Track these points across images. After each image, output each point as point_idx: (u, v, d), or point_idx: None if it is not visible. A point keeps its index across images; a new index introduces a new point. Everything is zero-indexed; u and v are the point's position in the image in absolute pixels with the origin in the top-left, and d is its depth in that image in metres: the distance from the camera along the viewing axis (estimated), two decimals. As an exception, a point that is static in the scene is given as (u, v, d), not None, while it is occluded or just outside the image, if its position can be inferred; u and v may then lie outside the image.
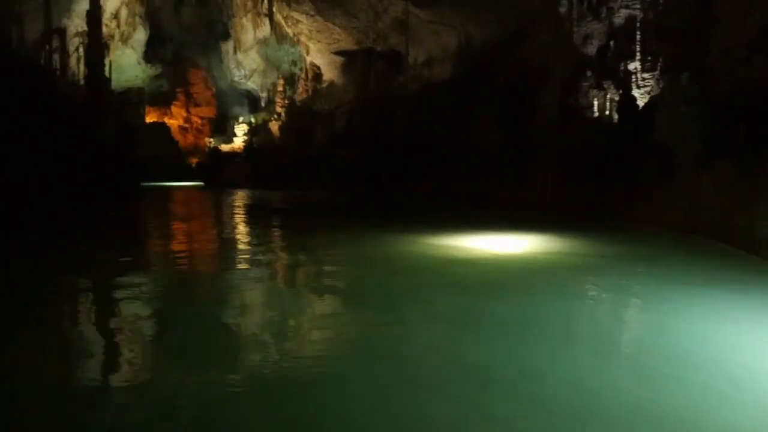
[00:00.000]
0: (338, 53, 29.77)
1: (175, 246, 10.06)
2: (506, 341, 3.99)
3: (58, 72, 28.21)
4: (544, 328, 4.38)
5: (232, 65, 39.42)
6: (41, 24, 27.13)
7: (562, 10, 18.15)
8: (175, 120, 48.15)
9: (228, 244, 10.00)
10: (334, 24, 27.69)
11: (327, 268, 7.22)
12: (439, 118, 21.23)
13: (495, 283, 6.05)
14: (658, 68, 14.93)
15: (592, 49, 17.38)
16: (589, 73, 16.69)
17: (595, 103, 16.53)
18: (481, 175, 17.44)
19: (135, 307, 5.21)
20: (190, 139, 48.79)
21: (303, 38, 30.50)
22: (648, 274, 6.63)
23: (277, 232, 11.97)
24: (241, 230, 12.24)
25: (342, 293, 5.90)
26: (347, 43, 28.68)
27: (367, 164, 23.53)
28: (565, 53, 17.82)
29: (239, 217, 15.15)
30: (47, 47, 27.41)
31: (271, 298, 5.85)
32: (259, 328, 4.65)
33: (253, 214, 15.83)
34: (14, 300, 5.35)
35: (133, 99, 31.69)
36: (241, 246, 9.73)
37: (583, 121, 16.08)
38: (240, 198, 22.93)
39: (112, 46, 31.52)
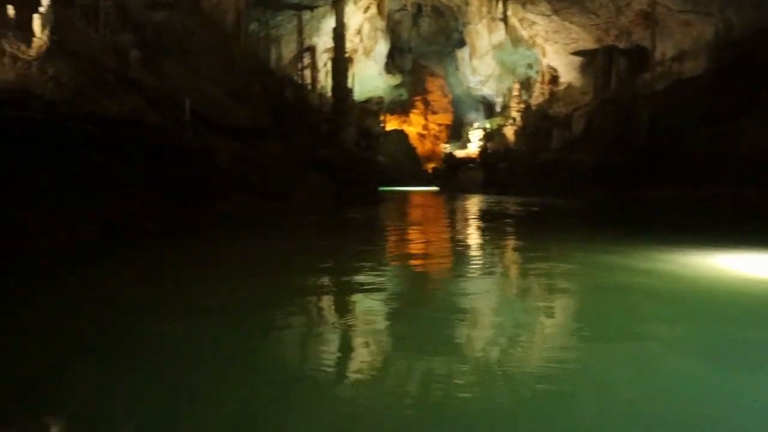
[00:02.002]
0: (576, 53, 28.32)
1: (413, 246, 10.23)
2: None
3: (309, 86, 30.76)
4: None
5: (468, 72, 39.67)
6: (295, 44, 29.75)
7: None
8: (413, 127, 50.00)
9: (463, 248, 9.81)
10: (571, 23, 26.36)
11: (561, 281, 6.56)
12: (691, 118, 19.04)
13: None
14: None
15: None
16: None
17: None
18: (747, 180, 15.15)
19: (370, 300, 5.50)
20: (428, 145, 50.31)
21: (539, 40, 29.55)
22: None
23: (511, 239, 11.44)
24: (476, 235, 11.97)
25: (576, 311, 5.27)
26: (586, 42, 27.14)
27: (606, 169, 21.97)
28: None
29: (474, 222, 14.96)
30: (300, 64, 29.98)
31: (501, 306, 5.51)
32: (486, 337, 4.40)
33: (488, 220, 15.51)
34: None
35: (374, 108, 33.38)
36: (475, 250, 9.45)
37: None
38: (473, 203, 22.88)
39: (355, 60, 33.45)
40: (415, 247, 10.00)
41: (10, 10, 10.47)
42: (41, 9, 10.32)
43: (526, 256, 8.74)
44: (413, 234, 12.44)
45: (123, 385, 3.32)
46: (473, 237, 11.58)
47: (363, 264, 7.71)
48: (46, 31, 10.28)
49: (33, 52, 10.05)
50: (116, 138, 10.32)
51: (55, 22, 10.67)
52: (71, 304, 5.37)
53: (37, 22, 10.22)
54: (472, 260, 8.21)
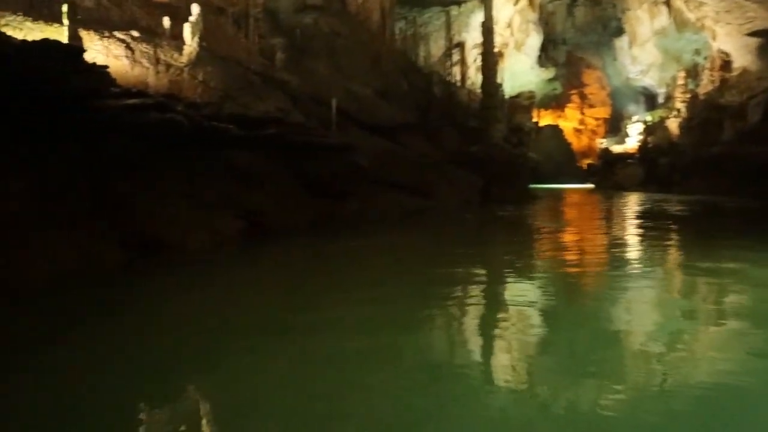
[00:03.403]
0: (752, 34, 25.51)
1: (565, 249, 9.67)
2: None
3: (458, 82, 30.46)
4: None
5: (627, 61, 37.37)
6: (444, 40, 29.60)
7: None
8: (569, 122, 48.01)
9: (621, 254, 8.89)
10: (747, 0, 23.79)
11: (733, 289, 5.76)
12: None
13: None
14: None
15: None
16: None
17: None
18: None
19: (523, 301, 5.37)
20: (584, 140, 48.08)
21: (708, 22, 27.04)
22: None
23: (677, 246, 10.13)
24: (635, 239, 10.83)
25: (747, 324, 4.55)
26: (765, 21, 24.35)
27: (788, 164, 19.58)
28: None
29: (633, 224, 13.59)
30: (448, 61, 29.79)
31: (661, 313, 5.03)
32: (646, 344, 4.09)
33: (648, 221, 13.94)
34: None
35: (524, 103, 32.26)
36: (634, 257, 8.58)
37: None
38: (632, 202, 21.39)
39: (506, 54, 32.67)
40: (567, 251, 9.35)
41: (166, 22, 11.17)
42: (191, 18, 10.89)
43: (693, 270, 7.77)
44: (565, 235, 11.69)
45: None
46: (632, 241, 10.47)
47: (514, 264, 7.51)
48: (196, 39, 10.84)
49: (184, 58, 10.64)
50: (259, 137, 10.64)
51: (204, 29, 11.23)
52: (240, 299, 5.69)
53: (187, 30, 10.81)
54: (632, 269, 7.37)
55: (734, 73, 28.06)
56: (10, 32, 8.93)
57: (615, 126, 41.59)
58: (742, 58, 27.37)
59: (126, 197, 8.00)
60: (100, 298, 5.55)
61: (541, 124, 43.61)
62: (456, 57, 31.28)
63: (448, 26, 28.67)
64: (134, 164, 8.18)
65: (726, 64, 28.65)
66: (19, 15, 9.42)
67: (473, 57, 31.58)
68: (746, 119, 24.79)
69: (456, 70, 30.95)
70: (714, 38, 28.03)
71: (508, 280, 6.44)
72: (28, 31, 9.20)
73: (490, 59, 25.59)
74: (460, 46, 31.12)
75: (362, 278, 6.45)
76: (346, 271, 7.04)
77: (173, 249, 8.06)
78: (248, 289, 6.08)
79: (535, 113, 38.71)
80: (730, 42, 27.35)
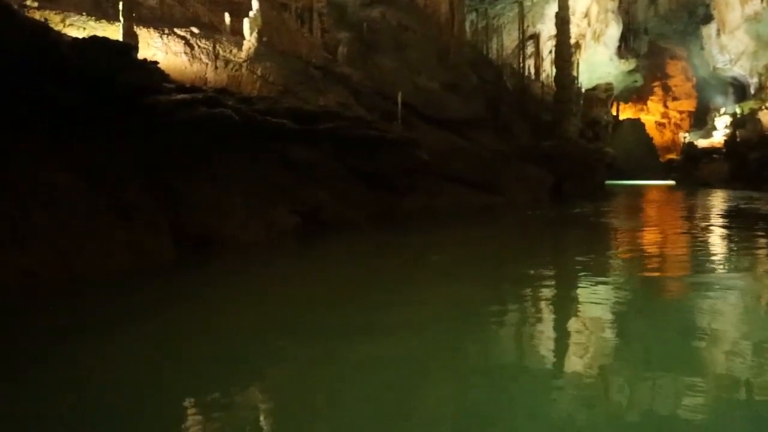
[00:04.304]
0: None
1: (646, 263, 8.68)
2: None
3: (532, 75, 29.58)
4: None
5: (715, 50, 35.29)
6: (517, 32, 28.80)
7: None
8: (651, 115, 46.06)
9: (705, 256, 8.19)
10: None
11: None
12: None
13: None
14: None
15: None
16: None
17: None
18: None
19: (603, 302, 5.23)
20: (668, 135, 46.03)
21: (805, 7, 25.18)
22: None
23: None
24: (721, 247, 9.54)
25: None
26: None
27: None
28: None
29: (719, 230, 11.80)
30: (521, 53, 28.95)
31: (743, 319, 4.67)
32: (726, 351, 3.86)
33: (737, 226, 12.41)
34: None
35: (601, 96, 31.00)
36: (717, 259, 7.85)
37: None
38: (717, 201, 19.90)
39: (583, 45, 31.53)
40: (647, 267, 7.97)
41: (227, 18, 11.21)
42: (251, 13, 10.88)
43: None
44: (643, 239, 10.63)
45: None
46: (718, 250, 9.21)
47: (585, 269, 7.14)
48: (255, 34, 10.81)
49: (243, 54, 10.63)
50: (316, 131, 10.51)
51: (266, 24, 11.20)
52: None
53: (246, 26, 10.81)
54: (715, 272, 6.73)
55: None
56: (74, 32, 9.14)
57: (701, 119, 39.46)
58: None
59: (179, 191, 8.02)
60: (156, 292, 5.69)
61: (621, 117, 41.96)
62: (530, 49, 30.42)
63: (522, 17, 27.81)
64: (188, 159, 8.20)
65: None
66: (82, 15, 9.63)
67: (548, 49, 30.65)
68: None
69: (530, 63, 30.10)
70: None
71: (583, 284, 5.93)
72: (91, 30, 9.38)
73: (565, 51, 24.68)
74: (534, 37, 30.25)
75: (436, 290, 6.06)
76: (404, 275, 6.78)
77: (226, 243, 8.04)
78: (305, 288, 6.00)
79: (614, 107, 37.22)
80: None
